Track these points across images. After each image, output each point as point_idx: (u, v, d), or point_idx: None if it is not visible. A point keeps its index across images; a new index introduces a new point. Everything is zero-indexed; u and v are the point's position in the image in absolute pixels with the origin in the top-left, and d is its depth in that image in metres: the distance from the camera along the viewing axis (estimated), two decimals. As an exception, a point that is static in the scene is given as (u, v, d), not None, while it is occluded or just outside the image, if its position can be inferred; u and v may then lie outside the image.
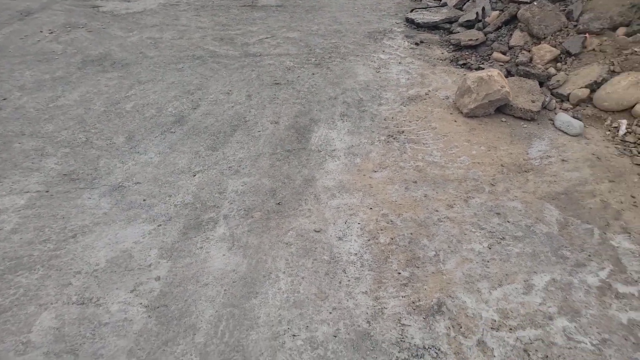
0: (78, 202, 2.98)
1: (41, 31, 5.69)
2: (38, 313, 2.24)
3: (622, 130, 4.08)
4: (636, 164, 3.68)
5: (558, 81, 4.74)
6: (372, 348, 2.16)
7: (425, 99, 4.58)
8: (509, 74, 4.99)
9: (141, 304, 2.30)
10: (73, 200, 3.00)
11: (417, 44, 6.06)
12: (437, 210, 3.10)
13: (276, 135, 3.88)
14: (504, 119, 4.25)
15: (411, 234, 2.89)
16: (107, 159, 3.43)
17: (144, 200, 3.04)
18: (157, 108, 4.17)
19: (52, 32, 5.66)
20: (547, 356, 2.16)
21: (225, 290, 2.40)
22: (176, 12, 6.78)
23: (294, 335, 2.19)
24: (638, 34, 4.67)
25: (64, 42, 5.42)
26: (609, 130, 4.16)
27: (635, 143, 3.95)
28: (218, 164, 3.47)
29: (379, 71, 5.15)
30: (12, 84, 4.43)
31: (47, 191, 3.07)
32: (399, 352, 2.15)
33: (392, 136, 3.94)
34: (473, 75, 4.33)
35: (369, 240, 2.83)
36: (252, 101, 4.39)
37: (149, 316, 2.24)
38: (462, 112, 4.37)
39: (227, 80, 4.78)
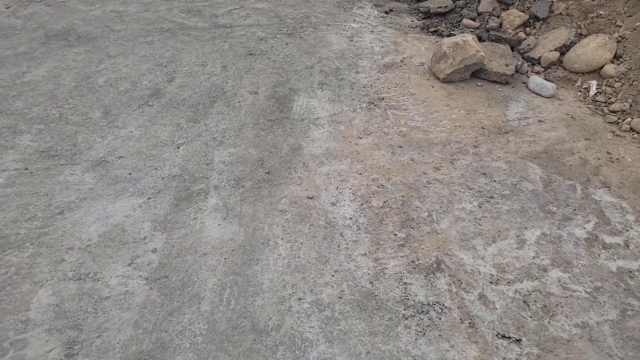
0: (60, 179, 2.87)
1: (-4, 5, 5.35)
2: (34, 291, 2.16)
3: (593, 90, 4.20)
4: (608, 122, 3.82)
5: (528, 45, 4.83)
6: (378, 307, 2.19)
7: (401, 66, 4.59)
8: (480, 39, 5.05)
9: (141, 276, 2.25)
10: (55, 177, 2.88)
11: (386, 12, 6.04)
12: (425, 173, 3.14)
13: (257, 106, 3.81)
14: (479, 83, 4.31)
15: (403, 196, 2.92)
16: (86, 134, 3.29)
17: (129, 174, 2.94)
18: (131, 82, 4.03)
19: (8, 7, 5.33)
20: (546, 305, 2.24)
21: (225, 258, 2.38)
22: (138, -17, 6.49)
23: (300, 299, 2.19)
24: (603, -3, 4.79)
25: (22, 16, 5.12)
26: (580, 91, 4.28)
27: (605, 102, 4.08)
28: (201, 136, 3.39)
29: (352, 40, 5.11)
30: (-29, 60, 4.18)
31: (25, 168, 2.93)
32: (404, 309, 2.19)
33: (373, 103, 3.94)
34: (448, 40, 4.35)
35: (362, 204, 2.85)
36: (228, 72, 4.29)
37: (151, 288, 2.20)
38: (438, 78, 4.41)
39: (199, 52, 4.64)
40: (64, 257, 2.34)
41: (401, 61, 4.68)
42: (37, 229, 2.50)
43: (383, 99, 4.01)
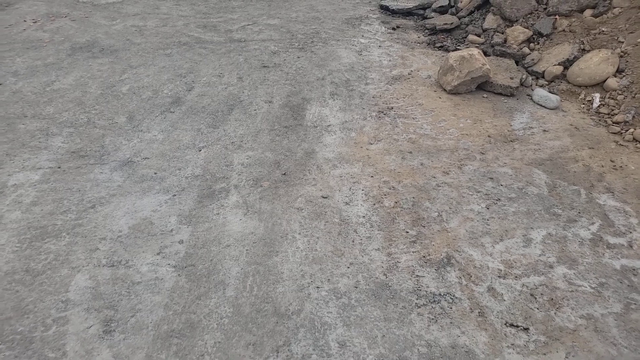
0: (91, 177, 3.04)
1: (25, 20, 5.61)
2: (72, 275, 2.31)
3: (596, 102, 4.36)
4: (612, 133, 3.97)
5: (533, 60, 5.02)
6: (392, 296, 2.32)
7: (409, 79, 4.77)
8: (485, 54, 5.23)
9: (169, 264, 2.40)
10: (85, 175, 3.06)
11: (393, 29, 6.25)
12: (434, 177, 3.29)
13: (272, 113, 4.00)
14: (485, 95, 4.48)
15: (413, 198, 3.07)
16: (112, 137, 3.48)
17: (155, 173, 3.12)
18: (153, 90, 4.23)
19: (35, 22, 5.60)
20: (552, 298, 2.37)
21: (247, 250, 2.53)
22: (155, 1, 6.77)
23: (318, 287, 2.33)
24: (604, 15, 4.99)
25: (49, 30, 5.37)
26: (584, 104, 4.44)
27: (609, 114, 4.24)
28: (221, 140, 3.57)
29: (361, 54, 5.31)
30: (5, 70, 4.40)
31: (59, 167, 3.11)
32: (417, 299, 2.32)
33: (382, 112, 4.11)
34: (455, 54, 4.54)
35: (374, 204, 3.00)
36: (244, 83, 4.49)
37: (179, 275, 2.35)
38: (445, 90, 4.59)
39: (216, 64, 4.85)
40: (98, 246, 2.50)
41: (409, 74, 4.87)
42: (71, 220, 2.67)
43: (392, 108, 4.18)
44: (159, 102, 4.04)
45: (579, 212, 2.99)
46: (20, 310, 2.14)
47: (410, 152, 3.56)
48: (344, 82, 4.61)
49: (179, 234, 2.61)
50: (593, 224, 2.90)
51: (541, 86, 4.72)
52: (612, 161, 3.56)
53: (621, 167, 3.49)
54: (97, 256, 2.44)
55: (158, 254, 2.47)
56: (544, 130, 3.92)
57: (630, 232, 2.82)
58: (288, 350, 2.00)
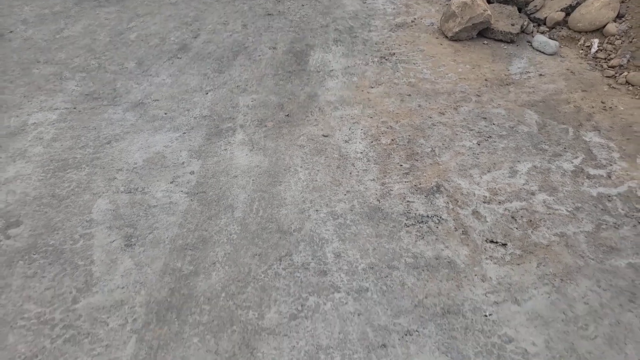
0: (105, 116, 3.25)
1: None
2: (94, 200, 2.56)
3: (594, 48, 4.45)
4: (606, 77, 4.08)
5: (535, 6, 5.06)
6: (383, 217, 2.55)
7: (411, 26, 4.86)
8: (488, 2, 5.28)
9: (182, 191, 2.64)
10: (100, 115, 3.26)
11: (400, -23, 6.24)
12: (430, 117, 3.46)
13: (276, 59, 4.14)
14: (485, 42, 4.58)
15: (409, 135, 3.25)
16: (123, 81, 3.66)
17: (165, 113, 3.32)
18: (160, 37, 4.37)
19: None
20: (531, 220, 2.59)
21: (253, 180, 2.75)
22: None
23: (317, 210, 2.56)
24: (609, -41, 4.98)
25: (55, -22, 5.46)
26: (582, 49, 4.53)
27: (605, 59, 4.34)
28: (226, 84, 3.74)
29: (365, 2, 5.37)
30: (15, 18, 4.55)
31: (74, 108, 3.31)
32: (406, 219, 2.55)
33: (384, 58, 4.24)
34: (457, 0, 4.61)
35: (372, 142, 3.19)
36: (248, 30, 4.61)
37: (191, 200, 2.58)
38: (446, 36, 4.68)
39: (221, 13, 4.96)
40: (116, 176, 2.73)
41: (412, 21, 4.95)
42: (90, 154, 2.90)
43: (394, 54, 4.30)
44: (166, 49, 4.19)
45: (565, 148, 3.17)
46: (51, 228, 2.40)
47: (409, 95, 3.72)
48: (347, 29, 4.71)
49: (190, 166, 2.83)
50: (577, 157, 3.08)
51: (542, 33, 4.80)
52: (602, 102, 3.70)
53: (611, 107, 3.63)
54: (116, 184, 2.68)
55: (171, 182, 2.70)
56: (540, 75, 4.05)
57: (611, 165, 3.00)
58: (289, 259, 2.24)
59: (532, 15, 5.01)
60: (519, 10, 5.09)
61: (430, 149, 3.13)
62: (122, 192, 2.62)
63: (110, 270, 2.18)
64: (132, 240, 2.33)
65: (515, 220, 2.59)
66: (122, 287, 2.10)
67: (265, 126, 3.29)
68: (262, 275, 2.15)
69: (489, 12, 4.53)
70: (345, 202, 2.64)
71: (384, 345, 1.91)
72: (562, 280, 2.24)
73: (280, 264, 2.22)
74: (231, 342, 1.87)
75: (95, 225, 2.39)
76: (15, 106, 3.27)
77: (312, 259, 2.25)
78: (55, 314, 2.00)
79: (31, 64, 3.81)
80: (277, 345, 1.86)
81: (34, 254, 2.26)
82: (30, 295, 2.07)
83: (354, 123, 3.37)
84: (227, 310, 1.99)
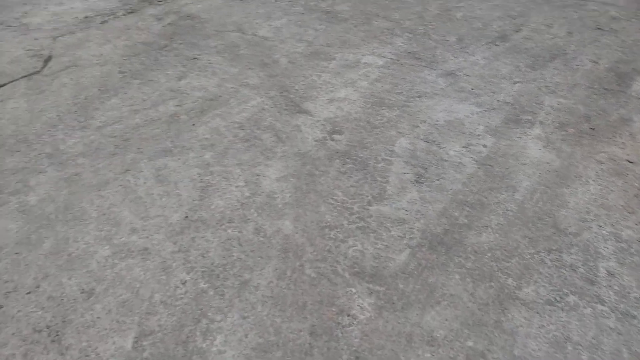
0: (421, 75, 3.62)
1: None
2: (397, 137, 2.94)
3: None
4: None
5: None
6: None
7: None
8: None
9: (472, 158, 2.82)
10: (417, 73, 3.64)
11: None
12: None
13: (594, 73, 3.94)
14: None
15: None
16: (442, 51, 3.98)
17: (472, 89, 3.51)
18: (483, 22, 4.56)
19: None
20: None
21: (540, 173, 2.76)
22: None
23: (600, 226, 2.45)
24: None
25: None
26: None
27: None
28: (536, 81, 3.73)
29: None
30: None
31: (397, 60, 3.77)
32: None
33: None
34: None
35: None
36: (572, 38, 4.46)
37: (478, 168, 2.74)
38: None
39: (547, 15, 4.90)
40: (419, 125, 3.06)
41: None
42: (402, 101, 3.29)
43: None
44: (486, 34, 4.37)
45: None
46: (362, 144, 2.87)
47: None
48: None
49: (484, 140, 2.99)
50: None
51: None
52: None
53: None
54: (417, 131, 3.00)
55: (464, 147, 2.90)
56: None
57: None
58: (558, 255, 2.24)
59: None
60: None
61: None
62: (421, 140, 2.93)
63: (399, 193, 2.51)
64: (422, 179, 2.62)
65: None
66: (407, 210, 2.41)
67: (566, 131, 3.22)
68: (528, 257, 2.21)
69: None
70: (634, 231, 2.47)
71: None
72: None
73: (548, 255, 2.23)
74: (487, 294, 2.00)
75: (395, 156, 2.75)
76: (354, 46, 3.87)
77: (582, 265, 2.20)
78: (354, 207, 2.42)
79: (372, 17, 4.42)
80: (527, 316, 1.92)
81: (347, 159, 2.74)
82: (339, 185, 2.55)
83: (667, 161, 3.05)
84: (489, 268, 2.12)
